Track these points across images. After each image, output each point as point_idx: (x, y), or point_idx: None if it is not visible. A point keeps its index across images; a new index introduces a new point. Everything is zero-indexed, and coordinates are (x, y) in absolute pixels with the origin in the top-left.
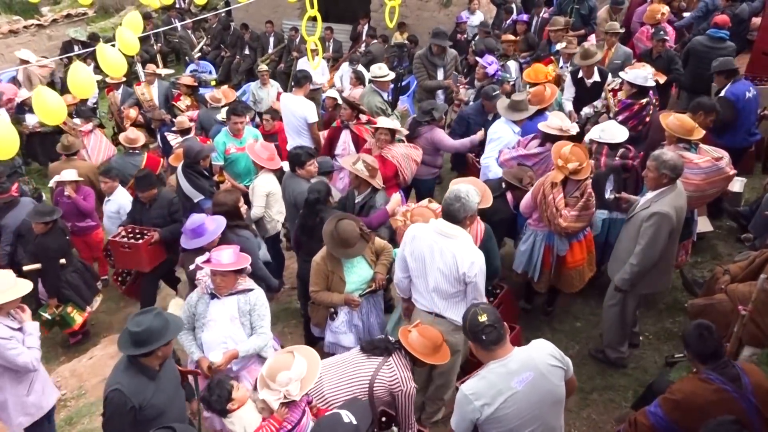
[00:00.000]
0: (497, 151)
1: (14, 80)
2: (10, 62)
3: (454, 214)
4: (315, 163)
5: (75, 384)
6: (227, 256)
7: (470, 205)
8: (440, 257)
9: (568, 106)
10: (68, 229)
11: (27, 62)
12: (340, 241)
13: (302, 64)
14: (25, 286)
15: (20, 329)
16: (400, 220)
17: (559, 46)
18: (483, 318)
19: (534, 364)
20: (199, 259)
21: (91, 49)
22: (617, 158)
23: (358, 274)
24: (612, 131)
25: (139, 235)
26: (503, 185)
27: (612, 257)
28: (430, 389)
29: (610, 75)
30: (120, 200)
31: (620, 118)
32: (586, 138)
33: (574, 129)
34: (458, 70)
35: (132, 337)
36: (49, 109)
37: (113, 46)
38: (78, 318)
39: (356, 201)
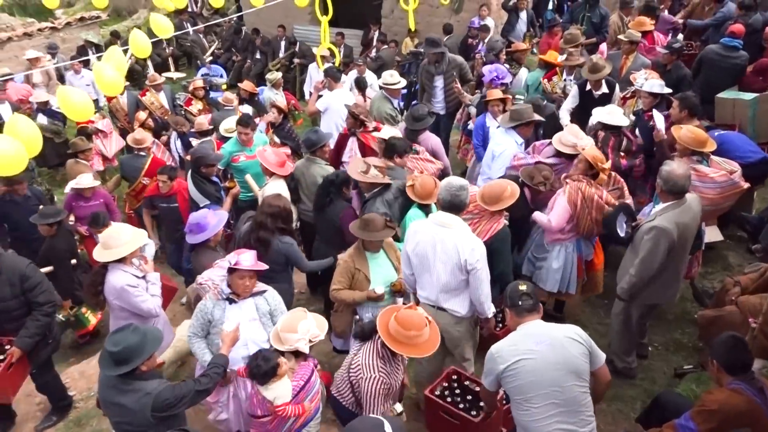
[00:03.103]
0: (504, 169)
1: (26, 81)
2: (23, 64)
3: (461, 203)
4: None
5: (84, 385)
6: (250, 258)
7: (470, 191)
8: (442, 249)
9: (566, 118)
10: (74, 231)
11: (36, 60)
12: (364, 223)
13: (312, 69)
14: (142, 236)
15: (144, 278)
16: (410, 184)
17: (560, 59)
18: (523, 287)
19: (552, 333)
20: (223, 265)
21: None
22: (621, 153)
23: (382, 274)
24: (617, 115)
25: None
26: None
27: (620, 266)
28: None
29: (617, 86)
30: None
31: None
32: (592, 121)
33: (589, 143)
34: (465, 79)
35: (112, 357)
36: (75, 106)
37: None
38: (92, 319)
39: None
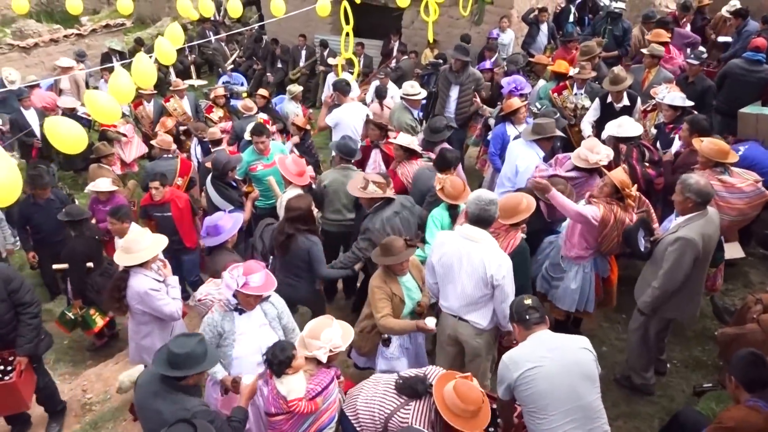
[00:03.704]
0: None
1: (53, 88)
2: (50, 70)
3: (490, 218)
4: None
5: (101, 388)
6: (259, 279)
7: (497, 206)
8: (468, 262)
9: (588, 129)
10: (100, 234)
11: (69, 69)
12: (385, 250)
13: (330, 78)
14: (162, 241)
15: (164, 282)
16: (439, 186)
17: (572, 72)
18: (528, 301)
19: (564, 341)
20: (229, 284)
21: (128, 61)
22: (646, 164)
23: (411, 297)
24: (627, 126)
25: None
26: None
27: (639, 280)
28: None
29: (639, 99)
30: None
31: (681, 143)
32: (604, 135)
33: (604, 159)
34: (481, 95)
35: (170, 358)
36: (102, 109)
37: (150, 57)
38: (99, 321)
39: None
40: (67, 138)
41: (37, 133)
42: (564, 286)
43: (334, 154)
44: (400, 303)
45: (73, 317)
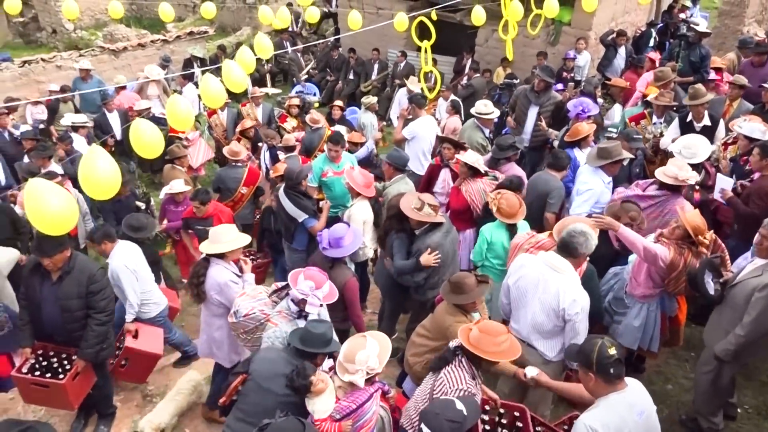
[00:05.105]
0: (588, 206)
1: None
2: (135, 73)
3: (574, 248)
4: None
5: (162, 381)
6: (327, 287)
7: (591, 243)
8: (544, 290)
9: (670, 145)
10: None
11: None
12: (456, 287)
13: (401, 94)
14: (245, 238)
15: (241, 278)
16: (492, 201)
17: (650, 97)
18: (612, 351)
19: (647, 401)
20: (313, 303)
21: (211, 67)
22: (696, 188)
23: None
24: (696, 150)
25: (54, 361)
26: None
27: (711, 323)
28: None
29: (722, 122)
30: (114, 263)
31: (757, 175)
32: (668, 148)
33: (691, 179)
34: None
35: (303, 334)
36: (179, 115)
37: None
38: None
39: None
40: (147, 143)
41: (118, 135)
42: (626, 322)
43: (385, 166)
44: None
45: None
